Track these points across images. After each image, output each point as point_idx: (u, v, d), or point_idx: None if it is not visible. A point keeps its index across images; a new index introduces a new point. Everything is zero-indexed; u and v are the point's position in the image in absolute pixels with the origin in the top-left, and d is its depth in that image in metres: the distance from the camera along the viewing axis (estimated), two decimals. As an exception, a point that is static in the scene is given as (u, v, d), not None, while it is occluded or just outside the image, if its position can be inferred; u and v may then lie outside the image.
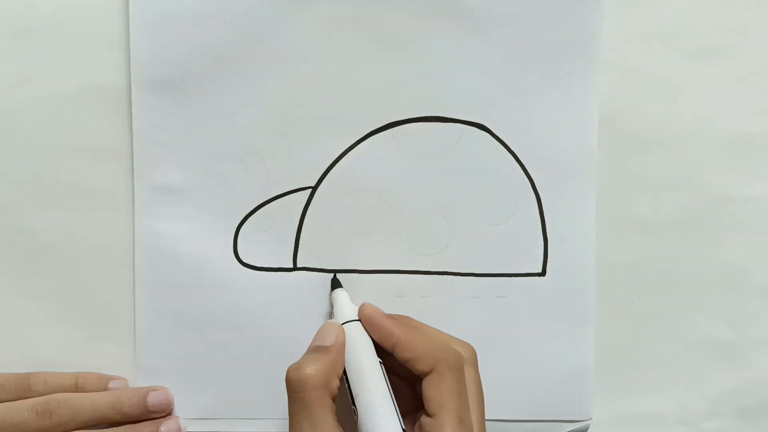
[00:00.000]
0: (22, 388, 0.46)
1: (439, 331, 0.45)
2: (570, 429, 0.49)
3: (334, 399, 0.41)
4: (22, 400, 0.46)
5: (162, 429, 0.47)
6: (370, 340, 0.44)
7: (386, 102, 0.48)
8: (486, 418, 0.43)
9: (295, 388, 0.41)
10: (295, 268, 0.48)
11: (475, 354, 0.44)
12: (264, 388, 0.48)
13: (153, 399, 0.47)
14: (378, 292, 0.48)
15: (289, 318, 0.48)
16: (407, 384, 0.44)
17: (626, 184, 0.49)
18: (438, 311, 0.48)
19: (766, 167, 0.49)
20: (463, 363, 0.43)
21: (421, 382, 0.42)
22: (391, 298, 0.48)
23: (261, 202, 0.48)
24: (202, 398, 0.48)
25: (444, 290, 0.48)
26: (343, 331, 0.44)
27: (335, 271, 0.48)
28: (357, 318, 0.45)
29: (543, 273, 0.48)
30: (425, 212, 0.48)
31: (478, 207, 0.48)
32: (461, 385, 0.42)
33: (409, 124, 0.48)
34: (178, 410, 0.48)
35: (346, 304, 0.46)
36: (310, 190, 0.48)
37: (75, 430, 0.46)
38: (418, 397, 0.43)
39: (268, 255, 0.48)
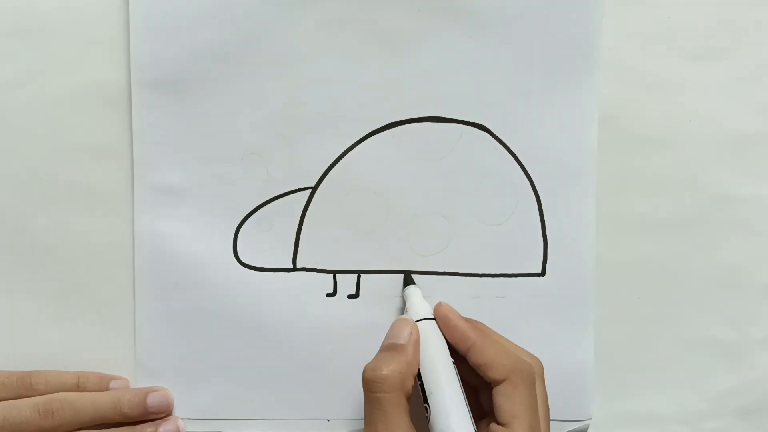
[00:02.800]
0: (23, 387, 0.46)
1: (509, 341, 0.45)
2: (570, 429, 0.49)
3: (408, 399, 0.41)
4: (24, 399, 0.46)
5: (161, 430, 0.47)
6: (444, 340, 0.44)
7: (386, 102, 0.48)
8: (486, 418, 0.44)
9: (371, 388, 0.41)
10: (294, 269, 0.48)
11: (543, 367, 0.44)
12: (264, 388, 0.48)
13: (153, 400, 0.47)
14: (378, 293, 0.48)
15: (289, 318, 0.48)
16: (470, 390, 0.44)
17: (626, 184, 0.49)
18: (438, 311, 0.48)
19: (766, 167, 0.49)
20: (534, 375, 0.43)
21: (485, 390, 0.43)
22: (391, 298, 0.48)
23: (261, 202, 0.48)
24: (202, 398, 0.48)
25: (444, 290, 0.48)
26: (416, 328, 0.44)
27: (335, 272, 0.48)
28: (432, 316, 0.45)
29: (543, 273, 0.48)
30: (425, 212, 0.48)
31: (478, 207, 0.48)
32: (533, 397, 0.42)
33: (409, 124, 0.48)
34: (177, 410, 0.48)
35: (419, 301, 0.46)
36: (310, 190, 0.48)
37: (75, 430, 0.46)
38: (479, 404, 0.44)
39: (268, 255, 0.48)
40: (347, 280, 0.48)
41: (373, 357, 0.44)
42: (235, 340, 0.48)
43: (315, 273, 0.48)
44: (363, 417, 0.48)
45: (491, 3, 0.47)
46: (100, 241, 0.48)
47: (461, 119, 0.48)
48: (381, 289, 0.48)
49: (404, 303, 0.47)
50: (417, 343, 0.43)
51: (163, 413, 0.47)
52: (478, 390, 0.44)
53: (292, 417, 0.48)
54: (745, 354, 0.50)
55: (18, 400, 0.46)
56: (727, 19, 0.48)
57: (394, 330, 0.44)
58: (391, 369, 0.41)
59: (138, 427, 0.47)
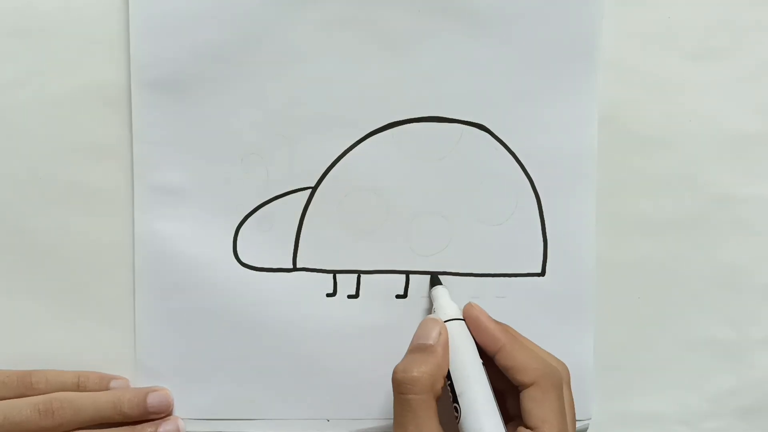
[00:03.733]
0: (23, 386, 0.46)
1: (537, 345, 0.45)
2: (570, 429, 0.49)
3: (437, 400, 0.42)
4: (24, 398, 0.46)
5: (161, 430, 0.47)
6: (473, 341, 0.44)
7: (386, 102, 0.48)
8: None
9: (402, 389, 0.41)
10: (294, 269, 0.48)
11: (569, 373, 0.44)
12: (264, 388, 0.48)
13: (153, 400, 0.47)
14: (378, 293, 0.48)
15: (289, 318, 0.48)
16: (494, 393, 0.44)
17: (626, 184, 0.49)
18: (438, 311, 0.48)
19: (766, 167, 0.49)
20: (562, 381, 0.43)
21: (510, 393, 0.43)
22: (391, 298, 0.48)
23: (261, 202, 0.48)
24: (202, 398, 0.48)
25: (444, 290, 0.49)
26: (445, 328, 0.44)
27: (335, 272, 0.48)
28: (460, 317, 0.45)
29: (543, 273, 0.48)
30: (425, 212, 0.48)
31: (478, 207, 0.48)
32: (561, 402, 0.42)
33: (409, 124, 0.48)
34: (177, 410, 0.48)
35: (447, 302, 0.46)
36: (310, 190, 0.48)
37: (76, 430, 0.46)
38: (503, 407, 0.43)
39: (268, 255, 0.48)
40: (347, 280, 0.48)
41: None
42: (235, 340, 0.48)
43: (315, 273, 0.48)
44: (362, 417, 0.48)
45: (491, 3, 0.47)
46: (100, 241, 0.48)
47: (461, 119, 0.48)
48: (381, 289, 0.48)
49: (431, 303, 0.47)
50: (446, 343, 0.43)
51: (163, 413, 0.47)
52: (503, 393, 0.44)
53: (292, 417, 0.48)
54: (745, 354, 0.50)
55: (18, 399, 0.46)
56: (727, 19, 0.48)
57: (423, 330, 0.44)
58: (422, 371, 0.41)
59: (138, 427, 0.47)
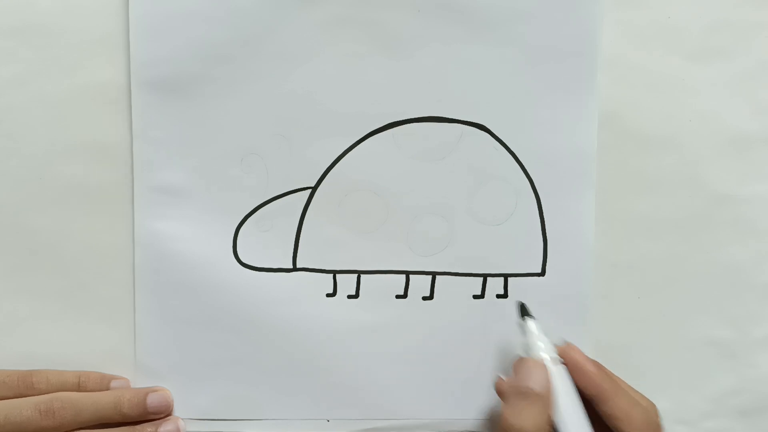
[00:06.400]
0: (24, 386, 0.46)
1: (629, 386, 0.45)
2: (570, 429, 0.49)
3: None
4: (25, 398, 0.46)
5: (161, 430, 0.47)
6: (574, 385, 0.43)
7: (386, 102, 0.48)
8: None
9: None
10: (294, 269, 0.48)
11: (659, 416, 0.44)
12: (264, 388, 0.48)
13: (152, 400, 0.47)
14: (378, 293, 0.48)
15: (289, 318, 0.48)
16: None
17: (626, 184, 0.49)
18: (438, 311, 0.48)
19: (766, 167, 0.49)
20: (661, 428, 0.43)
21: None
22: (391, 298, 0.48)
23: (261, 202, 0.48)
24: (202, 398, 0.48)
25: (444, 290, 0.49)
26: (549, 374, 0.43)
27: (335, 272, 0.48)
28: (559, 358, 0.44)
29: (542, 273, 0.48)
30: (425, 212, 0.48)
31: (478, 207, 0.48)
32: None
33: (409, 124, 0.48)
34: (177, 410, 0.48)
35: (544, 339, 0.44)
36: (310, 190, 0.48)
37: (76, 430, 0.46)
38: None
39: (268, 255, 0.48)
40: (347, 280, 0.48)
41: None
42: (234, 340, 0.48)
43: (315, 273, 0.48)
44: (362, 417, 0.48)
45: (491, 3, 0.47)
46: (100, 241, 0.48)
47: (461, 119, 0.48)
48: (381, 289, 0.48)
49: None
50: (551, 389, 0.42)
51: (162, 413, 0.47)
52: None
53: (292, 417, 0.48)
54: (745, 354, 0.50)
55: (19, 399, 0.46)
56: (727, 19, 0.48)
57: (528, 374, 0.43)
58: (534, 421, 0.41)
59: (138, 427, 0.47)
